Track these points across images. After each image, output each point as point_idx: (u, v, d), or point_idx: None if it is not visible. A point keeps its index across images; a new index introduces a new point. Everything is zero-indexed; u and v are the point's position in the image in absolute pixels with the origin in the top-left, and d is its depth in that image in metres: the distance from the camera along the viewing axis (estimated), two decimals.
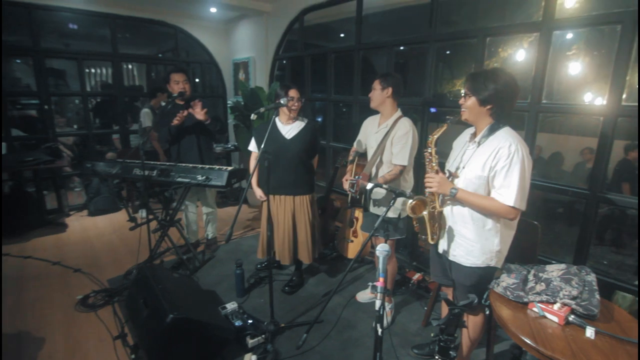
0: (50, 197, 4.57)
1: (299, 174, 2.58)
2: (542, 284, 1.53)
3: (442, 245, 1.77)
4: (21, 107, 5.74)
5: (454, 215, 1.69)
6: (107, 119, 5.87)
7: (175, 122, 2.93)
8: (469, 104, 1.60)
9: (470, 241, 1.64)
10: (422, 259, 3.24)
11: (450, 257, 1.72)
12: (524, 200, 1.50)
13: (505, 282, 1.61)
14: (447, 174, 1.69)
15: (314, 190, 2.73)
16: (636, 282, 2.11)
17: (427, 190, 1.67)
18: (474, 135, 1.68)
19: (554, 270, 1.59)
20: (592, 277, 1.53)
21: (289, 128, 2.55)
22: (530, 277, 1.61)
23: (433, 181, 1.62)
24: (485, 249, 1.63)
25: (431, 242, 1.74)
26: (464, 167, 1.63)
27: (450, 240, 1.71)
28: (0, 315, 2.47)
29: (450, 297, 1.92)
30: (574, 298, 1.43)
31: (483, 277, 1.67)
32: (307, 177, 2.64)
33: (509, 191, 1.49)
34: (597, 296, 1.45)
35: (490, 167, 1.53)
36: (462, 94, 1.62)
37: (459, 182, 1.64)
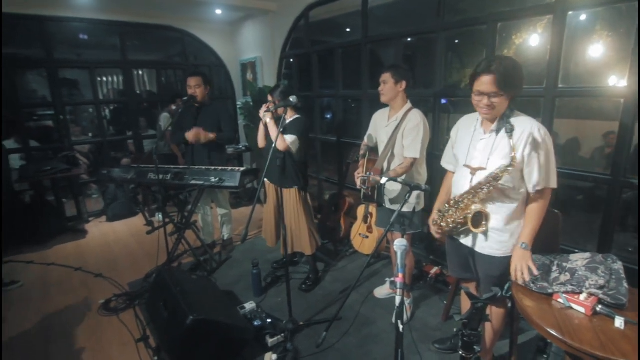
0: (69, 205, 4.68)
1: (282, 167, 2.56)
2: (567, 274, 1.49)
3: (467, 240, 1.72)
4: (38, 118, 5.89)
5: None
6: (121, 126, 5.98)
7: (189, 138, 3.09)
8: (498, 101, 1.47)
9: (499, 231, 1.62)
10: (439, 253, 3.20)
11: (479, 250, 1.68)
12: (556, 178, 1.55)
13: None
14: (468, 171, 1.63)
15: (299, 186, 2.68)
16: None
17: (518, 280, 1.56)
18: (486, 123, 1.61)
19: (579, 260, 1.54)
20: (619, 265, 1.47)
21: (286, 122, 2.61)
22: (554, 267, 1.57)
23: (524, 269, 1.54)
24: (514, 236, 1.62)
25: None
26: (489, 159, 1.56)
27: (478, 233, 1.65)
28: (1, 320, 2.55)
29: (472, 291, 1.89)
30: (601, 287, 1.38)
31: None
32: (291, 171, 2.63)
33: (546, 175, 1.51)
34: (625, 285, 1.40)
35: (519, 158, 1.48)
36: (488, 94, 1.46)
37: (484, 175, 1.55)
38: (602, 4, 2.06)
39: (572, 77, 2.69)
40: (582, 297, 1.38)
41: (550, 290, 1.47)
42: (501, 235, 1.61)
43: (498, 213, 1.59)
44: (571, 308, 1.39)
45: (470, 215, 1.57)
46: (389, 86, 2.24)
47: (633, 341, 1.21)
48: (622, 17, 2.48)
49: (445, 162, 1.88)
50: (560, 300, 1.43)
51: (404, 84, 2.23)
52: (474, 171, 1.60)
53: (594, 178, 2.21)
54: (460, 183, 1.69)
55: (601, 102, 3.07)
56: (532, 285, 1.52)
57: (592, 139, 3.74)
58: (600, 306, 1.35)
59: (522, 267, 1.54)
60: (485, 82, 1.45)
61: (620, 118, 2.00)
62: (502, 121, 1.53)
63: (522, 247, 1.56)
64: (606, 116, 3.24)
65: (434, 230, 1.80)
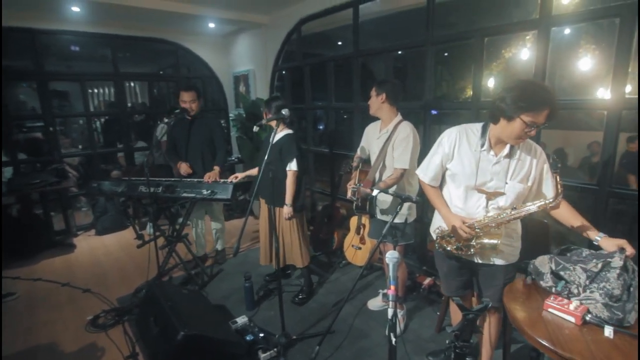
0: (57, 218, 4.59)
1: (274, 183, 2.48)
2: (600, 263, 1.42)
3: (477, 257, 1.71)
4: (27, 130, 5.81)
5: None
6: (112, 138, 5.93)
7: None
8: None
9: (512, 239, 1.68)
10: (431, 263, 3.19)
11: (499, 262, 1.69)
12: None
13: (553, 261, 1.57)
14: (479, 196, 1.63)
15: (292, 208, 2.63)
16: None
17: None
18: (498, 147, 1.59)
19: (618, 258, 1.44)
20: (636, 282, 1.39)
21: (277, 136, 2.59)
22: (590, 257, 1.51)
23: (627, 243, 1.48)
24: (520, 241, 1.72)
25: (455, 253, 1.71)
26: (507, 183, 1.58)
27: (488, 248, 1.64)
28: (0, 335, 2.50)
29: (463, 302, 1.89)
30: (610, 297, 1.34)
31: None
32: (282, 192, 2.58)
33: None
34: (635, 301, 1.34)
35: (534, 177, 1.59)
36: (541, 125, 1.45)
37: (502, 200, 1.59)
38: (584, 20, 2.13)
39: (557, 90, 2.76)
40: (572, 306, 1.39)
41: (565, 269, 1.48)
42: (512, 243, 1.69)
43: (510, 225, 1.65)
44: (560, 317, 1.39)
45: (498, 242, 1.57)
46: (372, 99, 2.35)
47: (624, 351, 1.22)
48: (603, 33, 2.57)
49: (429, 178, 1.75)
50: (550, 310, 1.43)
51: (384, 96, 2.30)
52: (490, 196, 1.60)
53: (582, 188, 2.25)
54: (472, 207, 1.66)
55: (585, 114, 3.15)
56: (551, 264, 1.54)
57: (577, 149, 3.83)
58: (589, 315, 1.36)
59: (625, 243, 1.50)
60: (545, 115, 1.43)
61: (604, 129, 2.05)
62: (515, 146, 1.56)
63: (604, 236, 1.54)
64: (590, 127, 3.34)
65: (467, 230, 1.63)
